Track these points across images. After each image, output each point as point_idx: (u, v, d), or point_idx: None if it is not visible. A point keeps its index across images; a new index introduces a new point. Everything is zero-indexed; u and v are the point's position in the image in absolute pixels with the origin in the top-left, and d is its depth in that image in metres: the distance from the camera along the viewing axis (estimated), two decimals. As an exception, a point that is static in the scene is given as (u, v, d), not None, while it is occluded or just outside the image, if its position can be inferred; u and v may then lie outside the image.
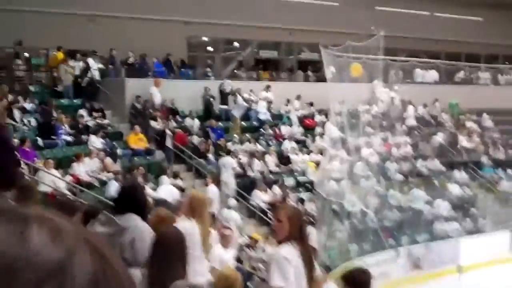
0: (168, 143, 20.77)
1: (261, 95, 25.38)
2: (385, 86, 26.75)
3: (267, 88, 25.75)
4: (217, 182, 19.08)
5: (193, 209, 6.37)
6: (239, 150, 21.81)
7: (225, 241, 10.04)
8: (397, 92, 27.30)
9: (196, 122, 23.03)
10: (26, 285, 0.59)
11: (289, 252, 5.11)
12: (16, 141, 15.97)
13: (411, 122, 27.44)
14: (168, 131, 20.99)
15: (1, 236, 0.61)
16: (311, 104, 26.54)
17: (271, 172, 22.07)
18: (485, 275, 18.47)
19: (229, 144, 22.21)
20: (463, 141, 27.46)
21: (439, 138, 26.86)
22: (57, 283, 0.60)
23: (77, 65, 22.43)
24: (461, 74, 32.36)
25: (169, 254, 4.39)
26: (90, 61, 22.37)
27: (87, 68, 22.25)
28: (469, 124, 28.91)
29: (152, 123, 21.86)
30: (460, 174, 25.10)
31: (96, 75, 22.33)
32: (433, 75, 31.26)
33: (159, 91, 22.84)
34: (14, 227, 0.62)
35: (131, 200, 5.78)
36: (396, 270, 18.32)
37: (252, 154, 21.73)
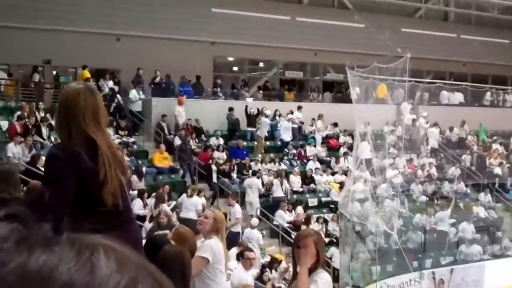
0: (214, 178, 20.67)
1: (292, 116, 25.48)
2: (411, 108, 26.72)
3: (299, 109, 25.90)
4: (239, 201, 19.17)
5: (216, 228, 6.48)
6: (262, 170, 21.89)
7: (247, 263, 10.09)
8: (423, 115, 27.26)
9: (221, 141, 23.19)
10: None
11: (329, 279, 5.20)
12: (43, 158, 16.22)
13: (436, 144, 27.32)
14: (214, 167, 20.88)
15: (71, 264, 0.63)
16: (336, 125, 26.58)
17: (294, 192, 22.09)
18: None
19: (253, 164, 22.31)
20: (492, 164, 27.29)
21: (467, 160, 26.74)
22: None
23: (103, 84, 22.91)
24: (487, 96, 32.17)
25: (167, 271, 4.36)
26: (101, 82, 22.85)
27: (113, 94, 22.64)
28: (495, 146, 28.70)
29: (177, 141, 22.04)
30: (485, 197, 24.89)
31: (120, 99, 22.75)
32: (459, 97, 31.13)
33: (184, 110, 23.07)
34: (83, 256, 0.64)
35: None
36: (419, 292, 18.16)
37: (276, 174, 21.76)
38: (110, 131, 21.09)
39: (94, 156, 3.24)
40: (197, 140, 22.94)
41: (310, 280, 5.05)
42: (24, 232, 0.66)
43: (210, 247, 6.36)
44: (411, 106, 26.40)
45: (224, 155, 22.26)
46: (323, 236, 5.80)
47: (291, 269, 5.41)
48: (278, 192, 21.06)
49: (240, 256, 10.47)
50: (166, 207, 16.12)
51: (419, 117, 27.15)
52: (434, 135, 27.45)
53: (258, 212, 20.01)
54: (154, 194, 17.47)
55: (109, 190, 3.22)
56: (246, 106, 24.51)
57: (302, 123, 25.93)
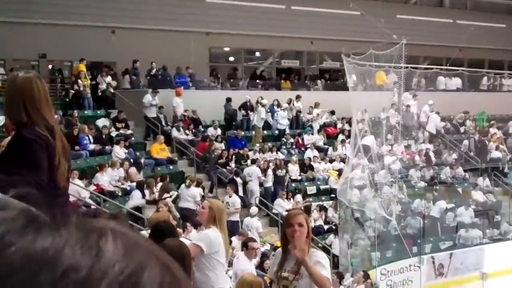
0: (240, 191, 20.12)
1: (291, 105, 25.50)
2: (414, 95, 26.79)
3: (297, 98, 25.91)
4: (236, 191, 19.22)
5: (215, 218, 6.42)
6: (260, 159, 21.92)
7: (250, 253, 10.11)
8: (429, 103, 27.31)
9: (219, 131, 23.22)
10: None
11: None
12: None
13: (434, 129, 27.35)
14: (238, 179, 20.35)
15: (77, 247, 0.63)
16: (333, 113, 26.60)
17: (293, 180, 22.14)
18: (509, 282, 18.32)
19: (251, 154, 22.34)
20: (492, 149, 27.35)
21: (469, 144, 26.82)
22: None
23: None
24: (484, 81, 32.16)
25: None
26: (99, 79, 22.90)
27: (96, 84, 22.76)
28: (493, 130, 28.74)
29: (175, 132, 22.07)
30: (484, 181, 24.94)
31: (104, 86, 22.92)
32: (456, 82, 31.11)
33: (182, 101, 23.10)
34: (90, 239, 0.64)
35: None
36: (419, 277, 18.23)
37: (274, 163, 21.80)
38: (106, 122, 21.13)
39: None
40: (194, 131, 22.98)
41: (309, 259, 5.09)
42: (32, 214, 0.66)
43: (207, 236, 6.34)
44: (413, 95, 26.50)
45: (222, 146, 22.28)
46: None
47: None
48: (268, 183, 21.10)
49: (244, 247, 10.48)
50: (167, 198, 16.19)
51: (420, 104, 27.17)
52: (434, 121, 27.46)
53: (257, 201, 20.07)
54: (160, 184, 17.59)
55: (62, 173, 3.38)
56: (246, 98, 24.55)
57: (299, 112, 25.95)
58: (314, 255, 5.17)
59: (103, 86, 22.95)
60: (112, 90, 23.03)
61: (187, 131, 22.62)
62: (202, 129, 23.45)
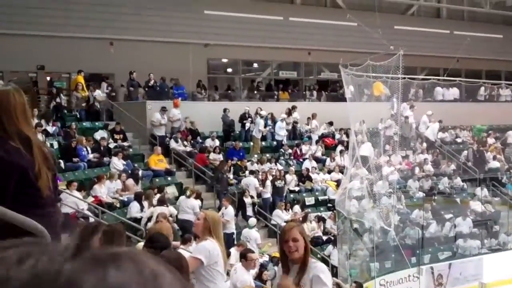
0: (250, 212, 20.05)
1: (286, 116, 25.53)
2: (411, 106, 26.85)
3: (293, 108, 25.97)
4: (233, 203, 19.17)
5: (210, 229, 6.44)
6: (259, 170, 21.93)
7: (248, 264, 10.09)
8: (428, 113, 27.39)
9: (217, 142, 23.23)
10: None
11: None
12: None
13: (432, 136, 27.42)
14: (248, 200, 20.28)
15: (137, 279, 0.66)
16: (331, 124, 26.64)
17: (291, 191, 22.14)
18: (509, 292, 18.29)
19: (249, 164, 22.34)
20: (490, 159, 27.38)
21: (465, 155, 26.86)
22: None
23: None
24: (481, 91, 32.24)
25: None
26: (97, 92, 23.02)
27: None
28: (491, 140, 28.79)
29: (173, 144, 22.07)
30: (482, 191, 24.95)
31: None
32: (453, 92, 31.21)
33: (180, 113, 23.12)
34: (144, 270, 0.67)
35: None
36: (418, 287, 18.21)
37: (272, 174, 21.80)
38: (104, 134, 21.14)
39: (28, 151, 3.42)
40: (192, 142, 22.99)
41: (310, 271, 5.08)
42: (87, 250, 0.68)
43: (204, 248, 6.34)
44: (410, 105, 26.57)
45: (220, 157, 22.27)
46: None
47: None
48: (266, 194, 21.09)
49: (242, 258, 10.45)
50: (164, 210, 16.16)
51: (417, 115, 27.23)
52: (433, 130, 27.51)
53: (255, 211, 20.07)
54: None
55: (44, 182, 3.40)
56: (245, 109, 24.60)
57: (296, 122, 25.97)
58: (314, 267, 5.15)
59: (103, 98, 23.09)
60: (98, 105, 23.03)
61: (185, 142, 22.62)
62: (200, 141, 23.46)
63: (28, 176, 3.37)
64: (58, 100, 22.26)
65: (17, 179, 3.34)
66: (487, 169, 26.87)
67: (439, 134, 28.37)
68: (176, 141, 22.18)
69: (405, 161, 25.15)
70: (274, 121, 25.15)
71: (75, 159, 18.69)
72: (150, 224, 15.15)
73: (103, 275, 0.65)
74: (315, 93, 30.45)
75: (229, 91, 29.55)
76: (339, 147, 25.30)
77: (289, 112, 25.70)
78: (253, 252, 11.20)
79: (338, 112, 24.53)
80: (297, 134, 25.92)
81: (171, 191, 19.16)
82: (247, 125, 24.45)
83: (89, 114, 22.94)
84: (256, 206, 20.41)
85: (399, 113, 24.49)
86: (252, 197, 20.34)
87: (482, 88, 32.26)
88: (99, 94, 23.25)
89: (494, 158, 27.47)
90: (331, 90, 31.42)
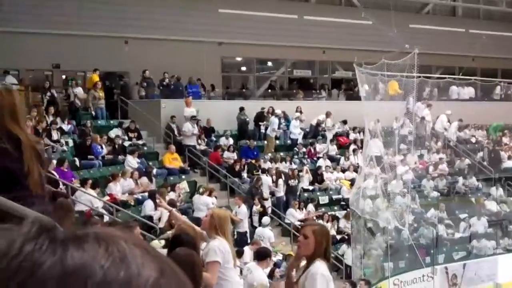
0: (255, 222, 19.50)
1: (300, 114, 25.48)
2: (422, 104, 26.72)
3: (328, 115, 25.92)
4: (246, 201, 19.12)
5: (216, 226, 6.48)
6: (273, 169, 21.93)
7: (264, 264, 10.12)
8: (447, 113, 27.30)
9: (231, 141, 23.22)
10: None
11: (325, 269, 5.24)
12: (54, 162, 16.34)
13: (454, 136, 27.37)
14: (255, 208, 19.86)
15: (102, 260, 0.64)
16: (345, 122, 26.58)
17: (305, 190, 22.12)
18: (524, 292, 18.19)
19: (262, 163, 22.35)
20: (505, 158, 27.23)
21: (480, 155, 26.73)
22: None
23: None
24: (497, 91, 32.03)
25: None
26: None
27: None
28: (506, 140, 28.62)
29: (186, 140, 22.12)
30: (497, 191, 24.81)
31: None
32: (469, 91, 31.02)
33: (193, 111, 23.14)
34: (111, 249, 0.65)
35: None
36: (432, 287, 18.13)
37: (286, 173, 21.79)
38: (119, 132, 21.21)
39: (17, 150, 3.46)
40: (206, 141, 23.00)
41: (309, 271, 5.13)
42: (52, 231, 0.67)
43: (217, 249, 6.36)
44: (427, 104, 26.49)
45: (234, 155, 22.29)
46: (327, 229, 5.85)
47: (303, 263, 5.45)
48: (279, 192, 21.06)
49: (257, 256, 10.46)
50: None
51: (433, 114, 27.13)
52: (452, 130, 27.45)
53: (270, 211, 20.04)
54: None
55: (34, 180, 3.45)
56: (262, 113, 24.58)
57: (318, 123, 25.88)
58: (313, 267, 5.20)
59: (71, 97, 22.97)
60: (79, 102, 22.66)
61: (199, 141, 22.65)
62: (215, 139, 23.49)
63: (15, 175, 3.39)
64: (72, 98, 22.34)
65: (2, 179, 3.37)
66: (503, 169, 26.70)
67: (455, 133, 28.27)
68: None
69: (420, 161, 25.05)
70: (287, 120, 25.11)
71: (90, 157, 18.78)
72: (160, 224, 15.23)
73: (62, 256, 0.64)
74: (331, 91, 30.40)
75: (243, 90, 29.55)
76: (352, 146, 25.23)
77: (300, 111, 25.63)
78: (268, 249, 11.21)
79: (353, 111, 24.46)
80: (312, 133, 25.76)
81: (183, 186, 19.19)
82: (262, 127, 24.43)
83: (71, 112, 22.56)
84: (270, 205, 20.37)
85: (414, 112, 24.44)
86: (264, 199, 20.21)
87: (498, 87, 32.02)
88: (81, 92, 22.79)
89: (510, 157, 27.29)
90: (345, 88, 31.32)
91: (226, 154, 22.21)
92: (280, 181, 21.01)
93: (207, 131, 23.49)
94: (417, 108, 25.31)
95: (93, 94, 22.54)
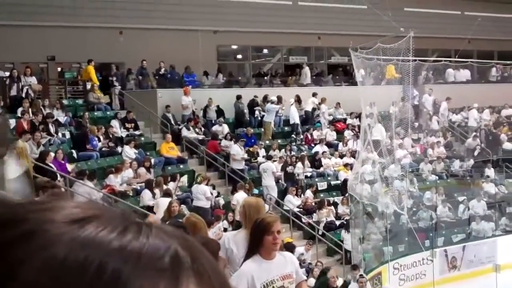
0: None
1: (294, 102, 25.44)
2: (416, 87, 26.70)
3: (314, 95, 25.83)
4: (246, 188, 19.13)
5: (246, 216, 6.38)
6: (272, 156, 21.97)
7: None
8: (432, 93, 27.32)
9: (226, 129, 23.04)
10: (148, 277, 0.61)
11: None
12: (52, 154, 16.33)
13: (444, 122, 27.32)
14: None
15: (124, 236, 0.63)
16: (338, 105, 26.65)
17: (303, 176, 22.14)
18: (523, 273, 18.25)
19: (261, 151, 22.37)
20: (504, 140, 27.24)
21: (477, 137, 26.74)
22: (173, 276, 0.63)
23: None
24: (493, 73, 32.01)
25: None
26: None
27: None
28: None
29: (184, 131, 22.08)
30: (495, 173, 24.83)
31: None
32: (465, 74, 31.00)
33: (191, 100, 23.12)
34: (130, 227, 0.65)
35: None
36: (432, 271, 18.19)
37: (284, 160, 21.80)
38: (116, 123, 21.14)
39: None
40: (203, 130, 22.99)
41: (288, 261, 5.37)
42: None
43: (242, 272, 5.66)
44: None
45: (232, 143, 22.26)
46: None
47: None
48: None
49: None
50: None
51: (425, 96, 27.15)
52: (473, 115, 27.52)
53: (276, 195, 20.09)
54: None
55: None
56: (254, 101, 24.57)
57: (316, 109, 25.81)
58: (286, 256, 5.47)
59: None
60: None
61: (196, 130, 22.62)
62: (214, 129, 23.48)
63: None
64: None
65: None
66: (501, 151, 26.71)
67: (452, 116, 28.25)
68: (188, 129, 22.18)
69: (417, 144, 25.05)
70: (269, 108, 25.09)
71: (88, 146, 18.77)
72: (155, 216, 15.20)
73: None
74: (327, 77, 30.33)
75: (239, 77, 29.50)
76: (349, 131, 25.21)
77: (298, 100, 25.57)
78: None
79: (349, 96, 24.45)
80: (309, 119, 25.73)
81: (182, 180, 19.22)
82: (257, 112, 24.43)
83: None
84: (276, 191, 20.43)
85: (410, 96, 24.43)
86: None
87: (494, 69, 32.01)
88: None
89: (509, 139, 27.30)
90: (342, 74, 31.28)
91: (224, 142, 22.20)
92: (278, 168, 21.05)
93: (218, 114, 23.60)
94: (415, 94, 25.34)
95: (92, 95, 22.38)
